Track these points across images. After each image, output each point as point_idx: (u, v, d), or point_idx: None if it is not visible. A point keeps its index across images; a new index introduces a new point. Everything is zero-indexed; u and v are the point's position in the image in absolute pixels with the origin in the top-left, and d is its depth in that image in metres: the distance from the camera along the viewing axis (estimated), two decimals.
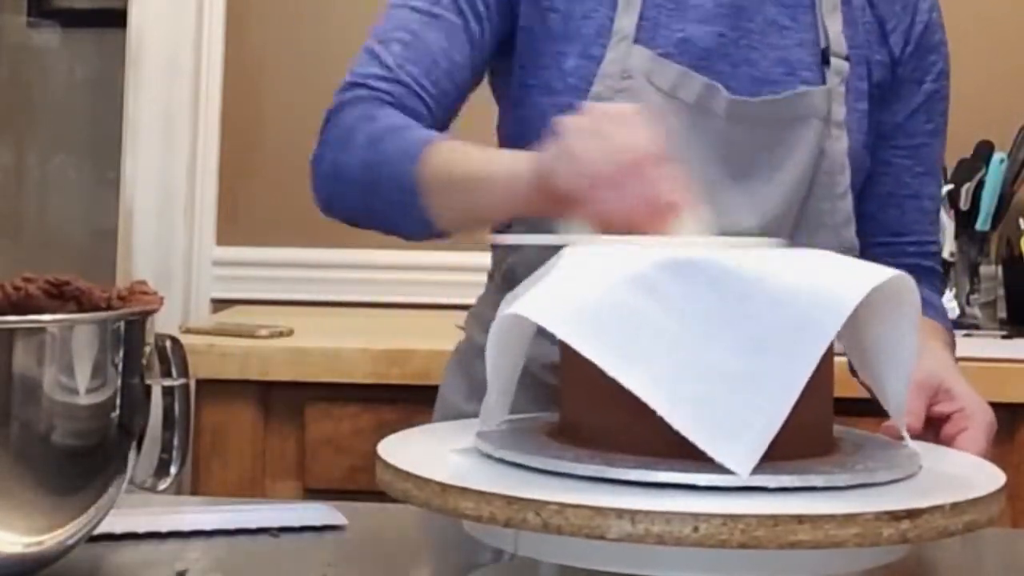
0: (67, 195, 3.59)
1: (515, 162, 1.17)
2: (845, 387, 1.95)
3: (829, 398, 0.98)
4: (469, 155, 1.22)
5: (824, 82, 1.37)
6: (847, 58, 1.38)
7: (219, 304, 2.65)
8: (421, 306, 2.59)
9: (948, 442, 1.15)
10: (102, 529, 1.09)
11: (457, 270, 2.47)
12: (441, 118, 1.34)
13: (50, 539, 1.01)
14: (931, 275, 1.48)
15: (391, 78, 1.32)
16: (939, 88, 1.45)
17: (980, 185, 2.43)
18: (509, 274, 1.40)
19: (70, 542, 1.03)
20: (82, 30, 3.54)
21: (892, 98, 1.43)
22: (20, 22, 3.59)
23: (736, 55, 1.36)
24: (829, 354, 0.97)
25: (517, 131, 1.39)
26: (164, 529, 1.19)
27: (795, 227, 1.37)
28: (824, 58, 1.37)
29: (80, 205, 3.55)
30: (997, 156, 2.43)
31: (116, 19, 2.83)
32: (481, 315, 1.48)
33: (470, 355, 1.47)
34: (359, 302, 2.63)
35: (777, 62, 1.36)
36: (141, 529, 1.18)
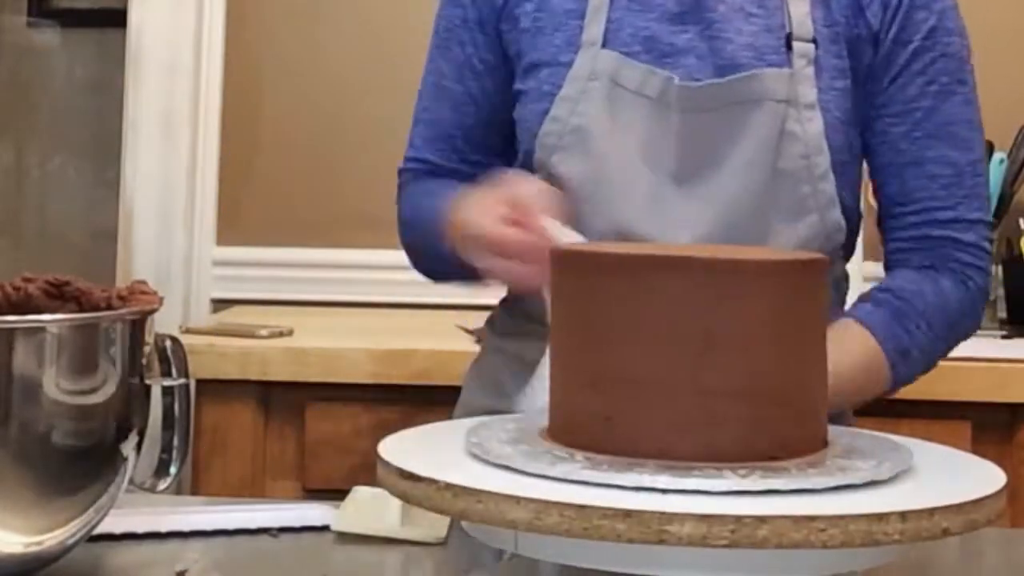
0: (67, 195, 3.59)
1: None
2: None
3: (823, 397, 0.98)
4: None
5: (790, 64, 1.36)
6: (813, 40, 1.37)
7: (219, 304, 2.65)
8: (421, 306, 2.58)
9: None
10: (102, 529, 1.10)
11: None
12: (475, 169, 1.45)
13: (50, 539, 1.01)
14: (945, 246, 1.41)
15: (420, 158, 1.51)
16: (932, 45, 1.39)
17: None
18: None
19: (70, 542, 1.03)
20: (82, 30, 3.54)
21: (880, 68, 1.40)
22: (20, 22, 3.59)
23: (701, 47, 1.38)
24: (823, 352, 0.98)
25: (519, 135, 1.46)
26: (164, 529, 1.19)
27: (770, 214, 1.36)
28: (787, 42, 1.37)
29: (80, 205, 3.55)
30: (997, 156, 2.43)
31: (116, 19, 2.83)
32: (494, 322, 1.55)
33: (487, 357, 1.55)
34: (359, 302, 2.63)
35: (742, 47, 1.37)
36: (141, 529, 1.19)
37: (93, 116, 3.47)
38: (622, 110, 1.37)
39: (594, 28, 1.39)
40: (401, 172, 1.53)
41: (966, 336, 1.45)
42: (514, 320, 1.48)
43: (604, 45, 1.38)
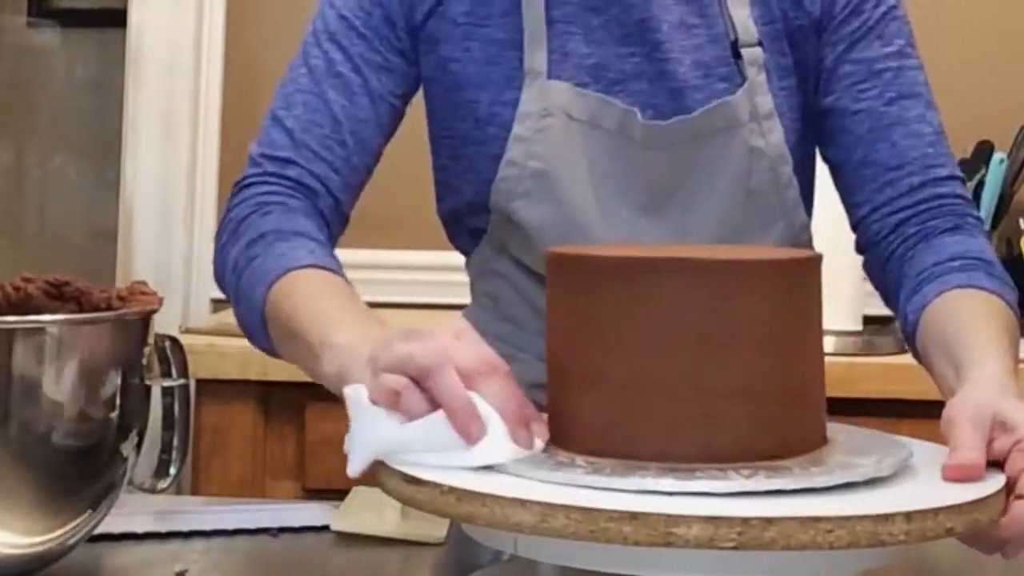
0: (67, 195, 3.59)
1: (351, 348, 1.08)
2: (845, 387, 1.96)
3: (822, 394, 0.98)
4: (314, 306, 1.15)
5: (742, 76, 1.33)
6: (759, 42, 1.33)
7: (219, 304, 2.65)
8: (421, 306, 2.58)
9: (1014, 484, 0.96)
10: (102, 529, 1.10)
11: (457, 270, 2.47)
12: (351, 174, 1.32)
13: (50, 539, 1.01)
14: (954, 205, 1.33)
15: (294, 143, 1.32)
16: (884, 14, 1.35)
17: (980, 185, 2.42)
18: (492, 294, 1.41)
19: (70, 542, 1.03)
20: (82, 30, 3.54)
21: (829, 49, 1.35)
22: (20, 22, 3.58)
23: (651, 70, 1.32)
24: (819, 348, 0.98)
25: (442, 178, 1.38)
26: (164, 529, 1.19)
27: (743, 232, 1.33)
28: (735, 51, 1.33)
29: (80, 205, 3.55)
30: (997, 156, 2.43)
31: (116, 19, 2.82)
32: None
33: None
34: None
35: (693, 66, 1.32)
36: (141, 529, 1.19)
37: (93, 116, 3.47)
38: (580, 145, 1.31)
39: (536, 56, 1.30)
40: (253, 161, 1.35)
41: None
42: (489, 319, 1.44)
43: (549, 76, 1.30)
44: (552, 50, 1.31)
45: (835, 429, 1.01)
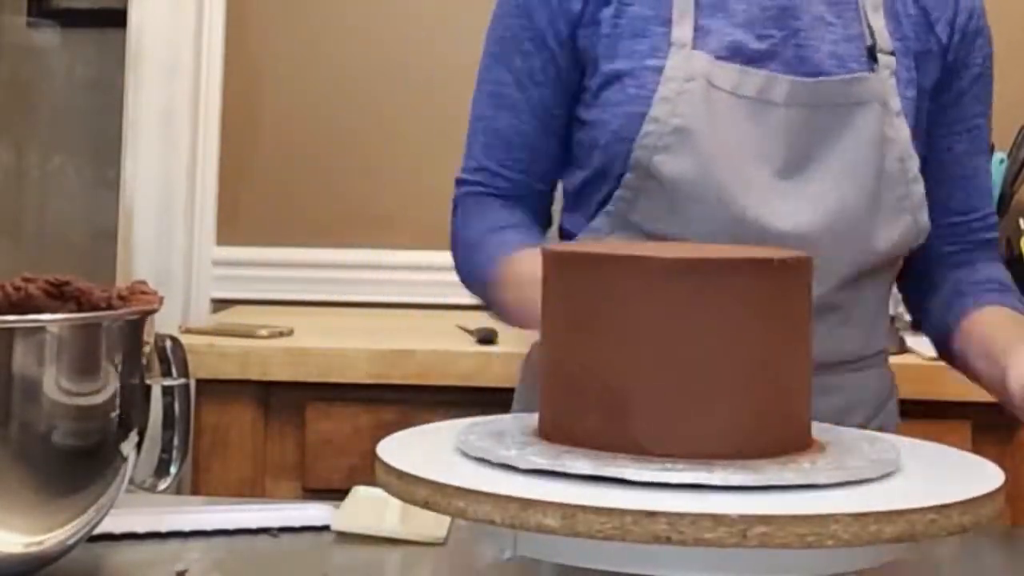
0: (67, 195, 3.59)
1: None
2: None
3: (808, 395, 0.98)
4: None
5: (875, 72, 1.41)
6: (892, 52, 1.42)
7: (219, 304, 2.65)
8: (421, 306, 2.59)
9: None
10: (102, 529, 1.10)
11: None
12: (535, 182, 1.50)
13: (50, 539, 1.01)
14: (995, 246, 1.57)
15: (480, 167, 1.50)
16: (986, 70, 1.52)
17: None
18: None
19: (70, 542, 1.03)
20: (82, 30, 3.54)
21: (945, 85, 1.47)
22: (20, 22, 3.59)
23: (786, 53, 1.40)
24: (807, 353, 0.98)
25: (576, 151, 1.48)
26: (164, 529, 1.19)
27: (875, 213, 1.40)
28: (871, 54, 1.41)
29: (80, 205, 3.55)
30: (997, 156, 2.43)
31: (116, 19, 2.83)
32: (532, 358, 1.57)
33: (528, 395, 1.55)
34: (359, 302, 2.63)
35: (828, 55, 1.41)
36: (141, 529, 1.19)
37: (93, 116, 3.47)
38: (720, 110, 1.38)
39: (683, 30, 1.40)
40: (460, 183, 1.53)
41: None
42: None
43: (694, 47, 1.40)
44: (697, 27, 1.41)
45: (821, 429, 1.01)
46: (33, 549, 1.01)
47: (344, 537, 1.20)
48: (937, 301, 1.51)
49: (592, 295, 0.95)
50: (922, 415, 2.01)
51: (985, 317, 1.44)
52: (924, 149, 1.46)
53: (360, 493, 1.26)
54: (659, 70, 1.39)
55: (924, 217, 1.44)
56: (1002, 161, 2.43)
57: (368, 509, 1.22)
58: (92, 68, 3.54)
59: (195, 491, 2.06)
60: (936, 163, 1.48)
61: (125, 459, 1.04)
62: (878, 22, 1.43)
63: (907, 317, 1.89)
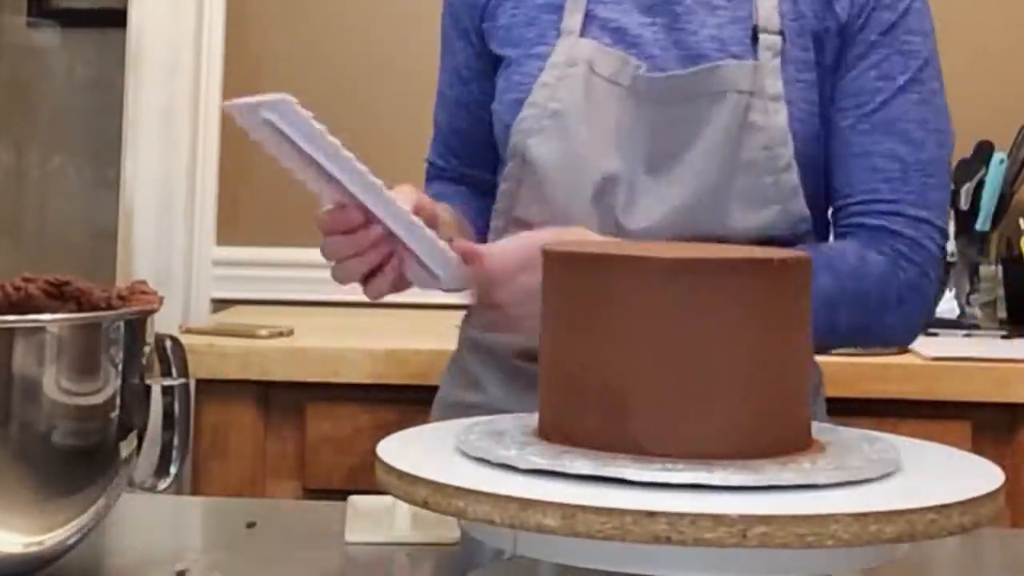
0: (67, 195, 3.59)
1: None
2: (844, 387, 1.96)
3: (805, 394, 0.98)
4: None
5: (755, 57, 1.38)
6: (780, 32, 1.39)
7: (219, 304, 2.65)
8: (421, 306, 2.58)
9: None
10: (102, 529, 1.09)
11: None
12: (481, 173, 1.54)
13: (50, 539, 1.01)
14: (877, 233, 1.38)
15: (429, 160, 1.60)
16: (889, 42, 1.40)
17: (980, 185, 2.43)
18: None
19: (70, 542, 1.03)
20: (82, 30, 3.54)
21: (840, 61, 1.41)
22: (20, 22, 3.59)
23: (667, 39, 1.40)
24: (806, 353, 0.98)
25: (496, 134, 1.49)
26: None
27: (726, 206, 1.36)
28: (754, 35, 1.39)
29: (80, 205, 3.55)
30: (997, 156, 2.43)
31: (116, 19, 2.82)
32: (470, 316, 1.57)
33: (463, 351, 1.58)
34: (359, 302, 2.61)
35: (708, 39, 1.40)
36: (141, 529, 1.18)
37: (93, 116, 3.47)
38: (598, 96, 1.39)
39: (574, 18, 1.42)
40: (426, 164, 1.61)
41: (880, 323, 1.39)
42: None
43: (581, 35, 1.41)
44: (587, 14, 1.42)
45: (821, 429, 1.01)
46: (33, 549, 1.01)
47: (345, 538, 1.20)
48: None
49: (592, 295, 0.95)
50: (922, 415, 2.01)
51: None
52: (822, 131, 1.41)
53: (358, 503, 1.26)
54: (545, 57, 1.42)
55: (797, 206, 1.38)
56: (1002, 161, 2.43)
57: (378, 517, 1.21)
58: (92, 68, 3.54)
59: (195, 491, 2.06)
60: (828, 141, 1.41)
61: (125, 459, 1.04)
62: (768, 2, 1.39)
63: None
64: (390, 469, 0.93)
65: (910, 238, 1.38)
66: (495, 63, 1.48)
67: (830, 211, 1.44)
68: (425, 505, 0.90)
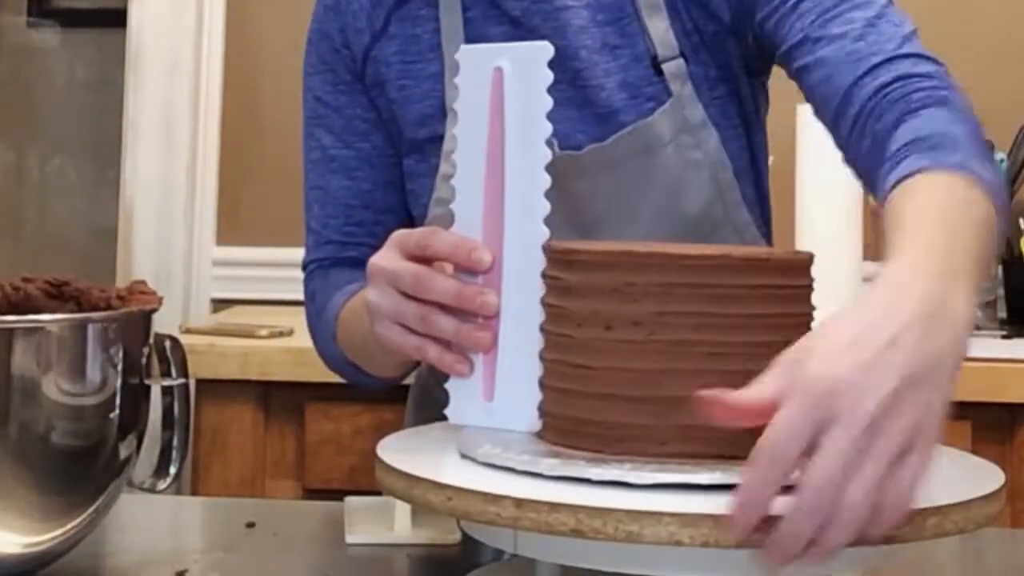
0: (67, 195, 3.59)
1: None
2: None
3: None
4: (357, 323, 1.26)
5: (668, 92, 1.29)
6: (681, 54, 1.29)
7: (219, 304, 2.65)
8: None
9: None
10: (102, 529, 1.10)
11: None
12: (385, 230, 1.22)
13: (50, 539, 1.01)
14: (893, 91, 1.16)
15: (326, 243, 1.41)
16: None
17: None
18: None
19: (70, 542, 1.04)
20: (82, 30, 3.54)
21: (746, 32, 1.29)
22: (20, 22, 3.58)
23: (577, 97, 1.29)
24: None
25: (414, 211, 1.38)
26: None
27: (693, 238, 1.27)
28: (656, 67, 1.29)
29: (80, 205, 3.55)
30: (997, 156, 2.43)
31: (116, 19, 2.82)
32: None
33: (423, 374, 1.51)
34: None
35: (617, 88, 1.29)
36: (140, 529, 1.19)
37: (93, 116, 3.47)
38: None
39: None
40: (305, 267, 1.43)
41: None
42: None
43: None
44: None
45: None
46: (33, 549, 1.01)
47: (344, 538, 1.20)
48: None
49: (592, 294, 0.95)
50: None
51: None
52: (792, 73, 1.24)
53: (354, 504, 1.26)
54: (439, 143, 1.30)
55: (742, 215, 1.30)
56: (1002, 161, 2.43)
57: (378, 518, 1.22)
58: (92, 68, 3.54)
59: (195, 491, 2.06)
60: (802, 84, 1.23)
61: (125, 459, 1.05)
62: (659, 24, 1.29)
63: None
64: (390, 469, 0.93)
65: (906, 77, 1.17)
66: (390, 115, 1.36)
67: (830, 118, 1.21)
68: (425, 505, 0.90)
